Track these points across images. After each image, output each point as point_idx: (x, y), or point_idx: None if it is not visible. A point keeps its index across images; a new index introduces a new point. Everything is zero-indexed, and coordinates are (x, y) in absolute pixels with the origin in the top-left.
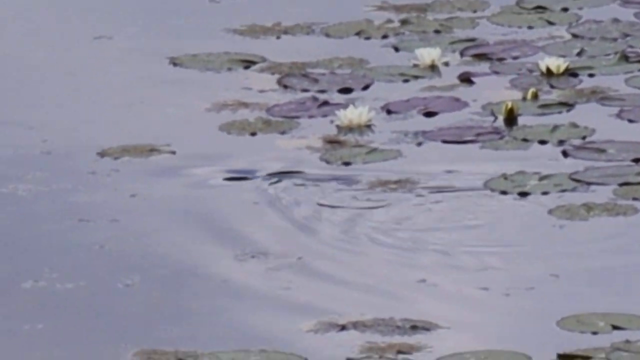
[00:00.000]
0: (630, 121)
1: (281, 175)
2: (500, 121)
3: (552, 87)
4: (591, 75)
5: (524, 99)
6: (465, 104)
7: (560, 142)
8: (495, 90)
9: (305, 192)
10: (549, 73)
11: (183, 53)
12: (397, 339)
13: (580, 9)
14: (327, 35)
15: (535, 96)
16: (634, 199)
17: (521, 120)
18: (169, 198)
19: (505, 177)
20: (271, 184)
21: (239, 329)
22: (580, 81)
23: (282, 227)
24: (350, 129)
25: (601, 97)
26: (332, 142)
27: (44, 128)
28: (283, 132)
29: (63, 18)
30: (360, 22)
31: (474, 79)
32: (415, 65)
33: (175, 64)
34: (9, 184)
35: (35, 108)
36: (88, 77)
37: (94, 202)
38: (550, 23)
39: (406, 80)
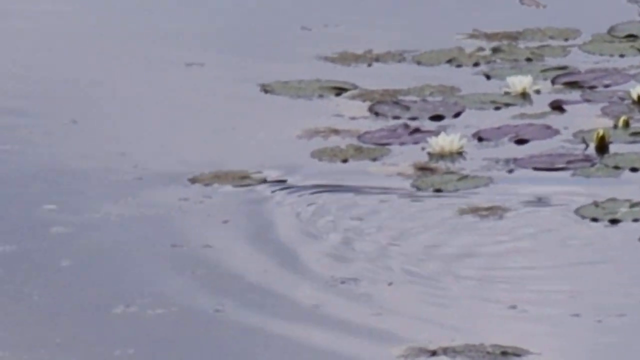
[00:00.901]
0: None
1: (372, 201)
2: (592, 149)
3: None
4: None
5: (615, 126)
6: (557, 132)
7: None
8: (587, 118)
9: (395, 218)
10: None
11: (274, 80)
12: None
13: None
14: (419, 62)
15: (626, 124)
16: None
17: (612, 148)
18: (260, 224)
19: (596, 204)
20: (361, 210)
21: (329, 354)
22: None
23: (373, 253)
24: (441, 156)
25: None
26: (423, 169)
27: (135, 154)
28: (374, 159)
29: (155, 45)
30: (451, 50)
31: (565, 106)
32: (506, 93)
33: (266, 91)
34: (101, 210)
35: (127, 134)
36: (179, 103)
37: (186, 228)
38: None
39: (497, 108)
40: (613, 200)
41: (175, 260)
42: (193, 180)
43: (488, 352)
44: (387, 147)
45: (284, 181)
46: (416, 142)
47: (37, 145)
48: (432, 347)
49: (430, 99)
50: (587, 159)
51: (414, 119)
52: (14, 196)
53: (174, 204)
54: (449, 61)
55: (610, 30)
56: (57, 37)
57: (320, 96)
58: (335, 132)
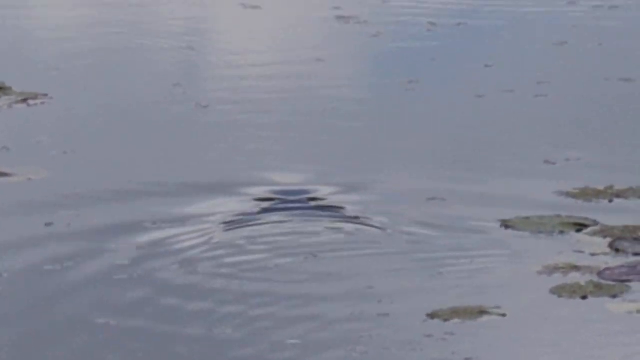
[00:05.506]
0: None
1: (608, 339)
2: None
3: None
4: None
5: None
6: None
7: None
8: None
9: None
10: None
11: (515, 215)
12: None
13: None
14: None
15: None
16: None
17: None
18: None
19: None
20: (600, 350)
21: None
22: None
23: None
24: None
25: None
26: None
27: (380, 293)
28: (614, 296)
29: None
30: None
31: None
32: None
33: (507, 227)
34: (345, 347)
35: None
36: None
37: None
38: None
39: None
40: None
41: None
42: (432, 316)
43: None
44: (627, 284)
45: (522, 318)
46: None
47: None
48: None
49: None
50: None
51: None
52: None
53: (416, 339)
54: None
55: None
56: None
57: (561, 232)
58: (576, 268)
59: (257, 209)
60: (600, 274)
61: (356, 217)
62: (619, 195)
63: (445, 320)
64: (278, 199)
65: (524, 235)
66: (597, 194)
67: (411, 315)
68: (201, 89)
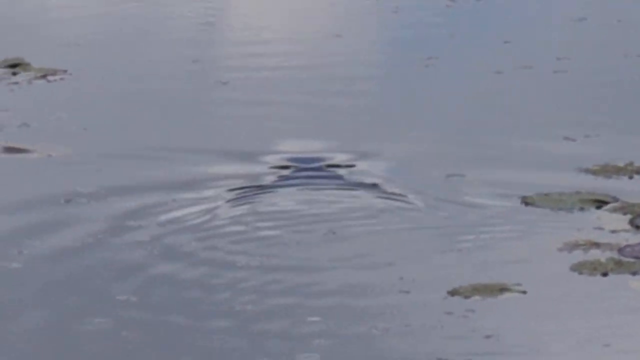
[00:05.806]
0: None
1: (629, 316)
2: None
3: None
4: None
5: None
6: None
7: None
8: None
9: None
10: None
11: (535, 192)
12: None
13: None
14: None
15: None
16: None
17: None
18: (522, 340)
19: None
20: (620, 327)
21: None
22: None
23: None
24: None
25: None
26: None
27: (401, 270)
28: (635, 273)
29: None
30: None
31: None
32: None
33: (527, 203)
34: (366, 323)
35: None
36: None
37: (450, 342)
38: None
39: None
40: None
41: None
42: (452, 293)
43: None
44: None
45: (543, 295)
46: None
47: None
48: None
49: None
50: None
51: None
52: None
53: (437, 316)
54: None
55: None
56: None
57: (581, 209)
58: (596, 245)
59: (273, 177)
60: (620, 250)
61: (375, 185)
62: (639, 171)
63: (466, 297)
64: (294, 166)
65: (544, 212)
66: (618, 171)
67: (432, 293)
68: (220, 65)
